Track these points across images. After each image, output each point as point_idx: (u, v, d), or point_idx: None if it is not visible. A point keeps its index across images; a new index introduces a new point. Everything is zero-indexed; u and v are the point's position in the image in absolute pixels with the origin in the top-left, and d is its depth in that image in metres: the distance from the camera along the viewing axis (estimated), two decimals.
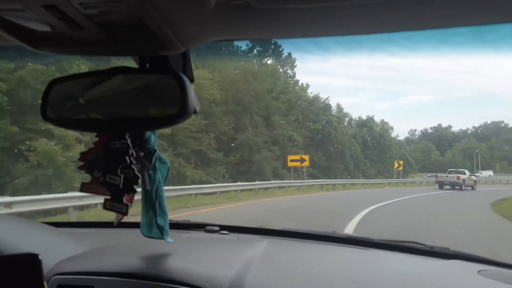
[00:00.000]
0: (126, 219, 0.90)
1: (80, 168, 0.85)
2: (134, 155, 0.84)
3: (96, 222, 1.58)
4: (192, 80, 0.83)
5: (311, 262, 1.08)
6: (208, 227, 1.43)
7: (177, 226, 1.53)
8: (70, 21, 0.59)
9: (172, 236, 0.96)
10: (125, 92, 0.79)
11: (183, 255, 1.00)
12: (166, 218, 0.92)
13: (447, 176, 27.84)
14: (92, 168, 0.85)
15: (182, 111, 0.72)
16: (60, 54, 0.75)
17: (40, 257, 0.69)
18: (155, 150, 0.89)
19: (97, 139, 0.86)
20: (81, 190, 0.86)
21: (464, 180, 26.58)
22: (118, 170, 0.82)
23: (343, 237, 1.46)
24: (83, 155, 0.85)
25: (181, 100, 0.72)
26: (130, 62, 0.81)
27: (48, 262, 0.89)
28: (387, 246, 1.35)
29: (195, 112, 0.80)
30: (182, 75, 0.74)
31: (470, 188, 26.77)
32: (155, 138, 0.89)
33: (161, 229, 0.91)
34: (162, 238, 0.92)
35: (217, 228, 1.43)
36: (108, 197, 0.84)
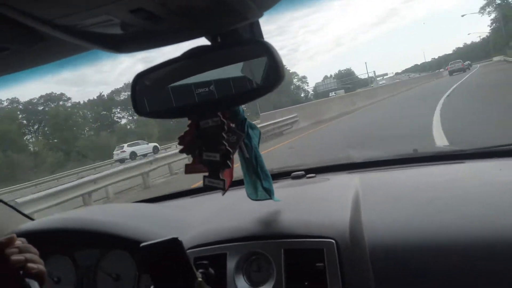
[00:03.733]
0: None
1: (181, 151, 0.89)
2: (228, 128, 0.86)
3: (186, 191, 1.63)
4: None
5: (410, 188, 1.06)
6: (293, 174, 1.43)
7: None
8: (153, 18, 0.60)
9: None
10: (207, 72, 0.79)
11: (292, 208, 1.03)
12: (270, 180, 0.96)
13: (453, 65, 45.63)
14: (192, 149, 0.88)
15: (276, 76, 0.71)
16: (141, 50, 0.76)
17: (179, 239, 0.76)
18: (245, 119, 0.90)
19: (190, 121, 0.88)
20: (186, 172, 0.91)
21: (464, 64, 45.16)
22: (215, 146, 0.85)
23: (430, 155, 1.39)
24: (181, 139, 0.88)
25: (272, 66, 0.71)
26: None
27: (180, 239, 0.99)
28: (482, 154, 1.27)
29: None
30: (265, 41, 0.73)
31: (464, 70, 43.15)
32: (241, 108, 0.90)
33: (268, 191, 0.95)
34: (270, 199, 0.96)
35: (303, 172, 1.43)
36: (206, 174, 0.87)
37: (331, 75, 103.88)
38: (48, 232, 1.13)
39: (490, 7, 65.09)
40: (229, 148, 0.85)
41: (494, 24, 70.40)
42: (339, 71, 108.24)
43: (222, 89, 0.78)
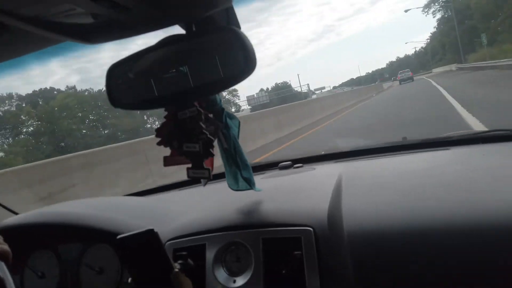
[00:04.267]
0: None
1: (159, 144, 0.88)
2: (205, 118, 0.85)
3: (174, 184, 1.64)
4: (238, 27, 0.80)
5: (394, 176, 1.06)
6: (281, 164, 1.45)
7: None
8: (118, 7, 0.59)
9: None
10: (184, 61, 0.78)
11: (273, 198, 1.03)
12: (249, 170, 0.95)
13: (403, 74, 52.52)
14: (170, 141, 0.87)
15: (246, 66, 0.71)
16: (113, 40, 0.75)
17: (155, 230, 0.75)
18: (223, 109, 0.89)
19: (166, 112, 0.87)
20: (165, 165, 0.90)
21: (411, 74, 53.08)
22: (195, 136, 0.84)
23: (417, 143, 1.40)
24: (158, 131, 0.87)
25: (244, 54, 0.71)
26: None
27: (159, 230, 0.98)
28: (467, 140, 1.29)
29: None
30: (236, 28, 0.72)
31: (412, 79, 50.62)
32: (219, 97, 0.90)
33: (248, 181, 0.95)
34: (250, 189, 0.96)
35: (290, 162, 1.45)
36: (189, 166, 0.87)
37: (267, 88, 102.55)
38: (31, 227, 1.13)
39: (436, 4, 58.31)
40: (210, 137, 0.84)
41: (441, 27, 64.19)
42: (276, 84, 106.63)
43: (197, 78, 0.77)
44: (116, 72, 0.82)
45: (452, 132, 1.50)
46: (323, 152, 1.61)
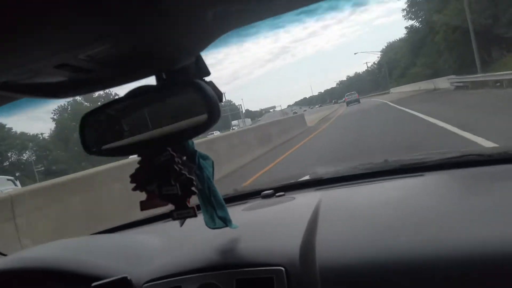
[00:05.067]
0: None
1: (134, 189, 0.89)
2: (179, 161, 0.86)
3: (142, 220, 1.63)
4: (208, 73, 0.84)
5: (369, 206, 1.08)
6: (263, 193, 1.47)
7: (234, 199, 1.58)
8: (82, 70, 0.62)
9: (233, 212, 0.98)
10: (153, 110, 0.81)
11: (248, 235, 1.04)
12: (224, 208, 0.97)
13: (350, 96, 54.92)
14: (145, 186, 0.88)
15: (210, 116, 0.74)
16: (80, 95, 0.79)
17: (129, 277, 0.77)
18: (195, 151, 0.91)
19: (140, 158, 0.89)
20: (142, 209, 0.90)
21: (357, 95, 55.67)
22: (171, 180, 0.86)
23: (396, 167, 1.43)
24: (133, 177, 0.88)
25: (206, 106, 0.74)
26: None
27: (135, 273, 0.96)
28: (442, 165, 1.31)
29: (220, 100, 0.80)
30: (198, 81, 0.75)
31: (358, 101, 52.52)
32: (192, 140, 0.91)
33: (223, 220, 0.96)
34: (226, 226, 0.97)
35: (272, 191, 1.47)
36: (172, 209, 0.88)
37: None
38: (11, 272, 1.11)
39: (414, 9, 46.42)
40: (190, 176, 0.86)
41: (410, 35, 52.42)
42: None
43: (167, 127, 0.79)
44: (89, 121, 0.85)
45: (425, 154, 1.54)
46: (306, 177, 1.64)
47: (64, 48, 0.53)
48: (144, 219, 1.62)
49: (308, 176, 1.69)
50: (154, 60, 0.70)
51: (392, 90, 58.73)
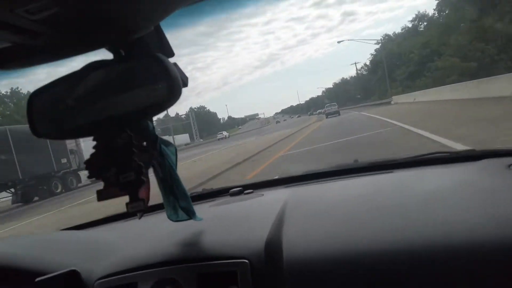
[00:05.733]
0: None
1: (90, 176, 0.81)
2: (138, 145, 0.80)
3: (109, 217, 1.57)
4: (171, 54, 0.79)
5: (337, 201, 1.07)
6: (232, 190, 1.43)
7: (202, 197, 1.54)
8: (24, 32, 0.55)
9: (200, 209, 0.94)
10: (109, 87, 0.74)
11: (214, 229, 1.00)
12: (188, 199, 0.91)
13: (330, 108, 46.83)
14: (102, 173, 0.80)
15: (169, 93, 0.69)
16: (28, 67, 0.70)
17: (78, 270, 0.72)
18: (156, 136, 0.85)
19: (95, 142, 0.81)
20: (99, 199, 0.82)
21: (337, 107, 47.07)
22: (130, 165, 0.78)
23: (365, 166, 1.44)
24: (88, 163, 0.81)
25: (168, 83, 0.68)
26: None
27: (88, 269, 0.90)
28: (411, 163, 1.34)
29: (185, 85, 0.76)
30: (160, 54, 0.70)
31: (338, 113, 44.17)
32: (153, 124, 0.85)
33: (186, 211, 0.90)
34: (190, 219, 0.92)
35: (240, 188, 1.43)
36: (128, 201, 0.80)
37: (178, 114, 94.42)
38: None
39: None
40: (140, 163, 0.79)
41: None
42: (191, 108, 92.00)
43: (123, 105, 0.73)
44: (38, 100, 0.77)
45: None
46: (276, 177, 1.61)
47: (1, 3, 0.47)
48: (117, 214, 1.55)
49: (278, 176, 1.67)
50: (108, 26, 0.63)
51: (395, 99, 37.65)
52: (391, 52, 49.05)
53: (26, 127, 0.82)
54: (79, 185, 22.57)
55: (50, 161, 20.74)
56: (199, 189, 1.71)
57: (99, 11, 0.57)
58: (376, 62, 56.63)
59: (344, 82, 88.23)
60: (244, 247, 0.81)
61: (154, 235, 1.07)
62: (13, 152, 18.77)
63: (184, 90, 0.74)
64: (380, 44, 54.45)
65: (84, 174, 18.28)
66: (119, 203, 0.85)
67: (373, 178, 1.28)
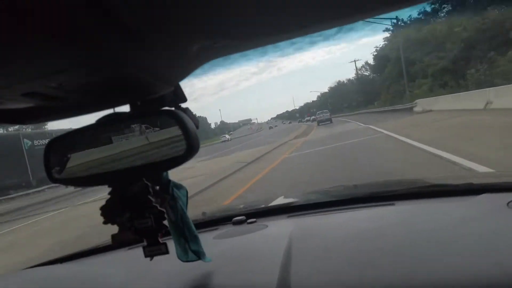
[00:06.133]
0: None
1: (105, 223, 0.83)
2: (153, 192, 0.81)
3: (95, 249, 1.50)
4: (184, 99, 0.81)
5: (342, 237, 1.07)
6: (235, 219, 1.43)
7: (203, 225, 1.54)
8: (52, 98, 0.58)
9: (202, 240, 0.93)
10: (123, 139, 0.75)
11: (222, 268, 1.00)
12: (198, 241, 0.93)
13: (321, 115, 44.16)
14: (117, 219, 0.82)
15: (188, 148, 0.70)
16: (49, 121, 0.74)
17: None
18: (169, 181, 0.87)
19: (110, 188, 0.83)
20: (114, 242, 0.84)
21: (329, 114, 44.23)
22: (145, 212, 0.81)
23: (367, 196, 1.45)
24: (103, 209, 0.82)
25: (185, 136, 0.70)
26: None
27: None
28: (411, 195, 1.35)
29: (197, 128, 0.77)
30: (176, 111, 0.72)
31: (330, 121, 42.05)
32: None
33: (196, 253, 0.92)
34: (199, 260, 0.93)
35: (244, 217, 1.43)
36: (145, 244, 0.83)
37: None
38: None
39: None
40: (161, 209, 0.81)
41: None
42: None
43: (140, 157, 0.75)
44: (55, 147, 0.79)
45: (394, 181, 1.54)
46: (276, 202, 1.62)
47: (34, 76, 0.49)
48: (106, 245, 1.51)
49: (278, 200, 1.68)
50: (130, 89, 0.66)
51: (423, 104, 24.21)
52: (407, 41, 33.69)
53: None
54: None
55: None
56: (199, 213, 1.72)
57: (124, 77, 0.59)
58: (383, 56, 44.28)
59: (340, 85, 75.10)
60: None
61: (160, 273, 1.06)
62: None
63: None
64: (391, 32, 40.24)
65: None
66: None
67: (375, 211, 1.29)
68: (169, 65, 0.60)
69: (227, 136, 76.35)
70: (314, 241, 1.08)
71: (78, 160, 0.79)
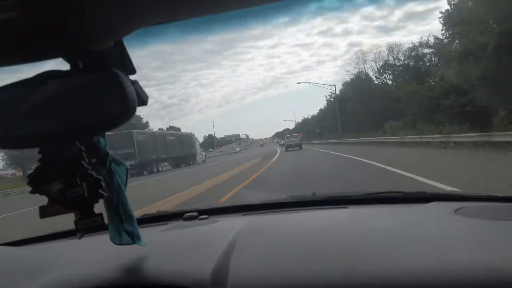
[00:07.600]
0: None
1: (33, 192, 0.76)
2: (88, 160, 0.76)
3: (57, 233, 1.46)
4: (133, 71, 0.77)
5: (292, 234, 1.06)
6: (186, 215, 1.39)
7: (154, 219, 1.49)
8: None
9: (150, 232, 0.89)
10: (63, 98, 0.69)
11: (160, 255, 0.96)
12: (133, 222, 0.86)
13: (291, 140, 37.38)
14: (47, 188, 0.75)
15: (122, 111, 0.66)
16: None
17: None
18: (107, 153, 0.82)
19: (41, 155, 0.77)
20: (42, 216, 0.76)
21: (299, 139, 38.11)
22: (77, 180, 0.74)
23: (323, 199, 1.47)
24: (31, 177, 0.76)
25: (120, 99, 0.66)
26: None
27: None
28: (366, 200, 1.38)
29: (144, 104, 0.74)
30: (117, 70, 0.67)
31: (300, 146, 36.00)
32: (104, 140, 0.82)
33: (130, 235, 0.85)
34: (134, 243, 0.86)
35: (196, 213, 1.39)
36: (78, 217, 0.76)
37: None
38: None
39: None
40: (97, 176, 0.75)
41: None
42: (161, 129, 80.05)
43: (74, 119, 0.69)
44: None
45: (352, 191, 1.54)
46: (231, 204, 1.59)
47: None
48: (61, 231, 1.44)
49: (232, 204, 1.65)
50: (67, 34, 0.61)
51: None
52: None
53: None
54: (195, 162, 41.62)
55: (189, 148, 41.70)
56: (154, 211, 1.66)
57: (60, 18, 0.55)
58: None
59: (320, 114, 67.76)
60: (188, 276, 0.78)
61: (93, 257, 1.01)
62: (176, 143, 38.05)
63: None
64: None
65: (197, 158, 43.14)
66: None
67: (329, 212, 1.30)
68: (111, 13, 0.57)
69: (237, 148, 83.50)
70: (261, 235, 1.06)
71: (6, 119, 0.71)
